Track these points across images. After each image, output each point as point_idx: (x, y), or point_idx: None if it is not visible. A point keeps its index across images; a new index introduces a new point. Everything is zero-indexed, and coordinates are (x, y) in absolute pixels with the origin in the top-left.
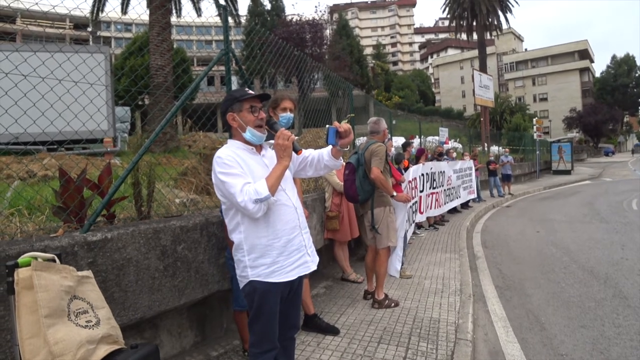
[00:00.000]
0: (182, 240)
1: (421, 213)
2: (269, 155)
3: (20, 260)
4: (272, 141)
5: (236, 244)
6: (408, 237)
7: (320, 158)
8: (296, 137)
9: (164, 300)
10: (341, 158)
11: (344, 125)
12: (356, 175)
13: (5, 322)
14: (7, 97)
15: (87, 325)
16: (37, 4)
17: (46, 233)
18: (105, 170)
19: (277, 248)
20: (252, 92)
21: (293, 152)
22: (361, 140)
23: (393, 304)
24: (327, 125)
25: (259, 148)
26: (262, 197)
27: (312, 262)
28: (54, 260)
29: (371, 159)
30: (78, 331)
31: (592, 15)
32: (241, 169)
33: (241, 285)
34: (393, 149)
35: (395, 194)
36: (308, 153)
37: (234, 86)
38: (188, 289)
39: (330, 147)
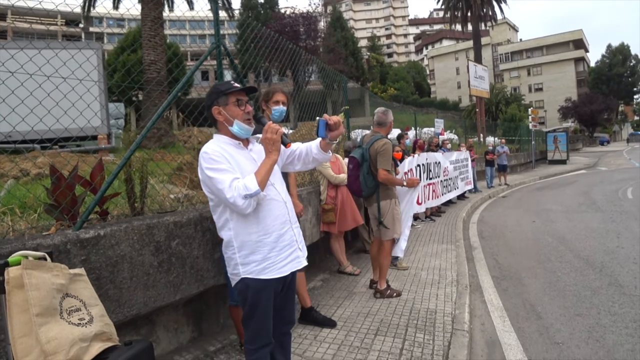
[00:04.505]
0: (176, 235)
1: (419, 204)
2: (256, 149)
3: (10, 259)
4: (258, 135)
5: (226, 241)
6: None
7: (308, 151)
8: (291, 131)
9: (159, 296)
10: (330, 151)
11: (334, 118)
12: (360, 171)
13: None
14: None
15: (80, 323)
16: (24, 0)
17: (39, 231)
18: (97, 167)
19: (268, 244)
20: (238, 85)
21: (282, 146)
22: (357, 133)
23: (395, 294)
24: (318, 118)
25: (245, 142)
26: (251, 192)
27: (303, 257)
28: (44, 259)
29: (377, 159)
30: (71, 329)
31: (589, 5)
32: (229, 164)
33: (233, 283)
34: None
35: (405, 183)
36: (296, 146)
37: (227, 79)
38: (183, 285)
39: (319, 140)
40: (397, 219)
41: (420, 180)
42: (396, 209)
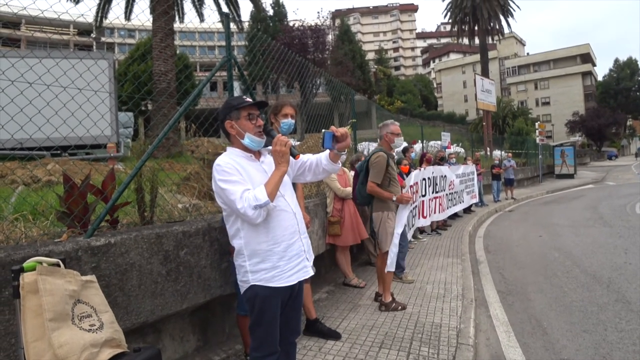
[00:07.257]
0: (185, 245)
1: (424, 217)
2: (268, 161)
3: (25, 264)
4: (270, 147)
5: (237, 249)
6: (408, 238)
7: (318, 162)
8: (298, 143)
9: (167, 305)
10: (339, 162)
11: (341, 130)
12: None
13: (11, 326)
14: (12, 103)
15: (91, 329)
16: (42, 12)
17: (50, 238)
18: (108, 176)
19: (277, 253)
20: (250, 100)
21: (291, 158)
22: (364, 145)
23: (400, 307)
24: (323, 130)
25: (257, 154)
26: (261, 203)
27: (310, 267)
28: (58, 265)
29: (370, 171)
30: (82, 335)
31: (596, 18)
32: (240, 175)
33: (242, 290)
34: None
35: (394, 198)
36: (306, 158)
37: (237, 92)
38: (190, 294)
39: (328, 151)
40: (388, 232)
41: (426, 193)
42: (388, 222)
